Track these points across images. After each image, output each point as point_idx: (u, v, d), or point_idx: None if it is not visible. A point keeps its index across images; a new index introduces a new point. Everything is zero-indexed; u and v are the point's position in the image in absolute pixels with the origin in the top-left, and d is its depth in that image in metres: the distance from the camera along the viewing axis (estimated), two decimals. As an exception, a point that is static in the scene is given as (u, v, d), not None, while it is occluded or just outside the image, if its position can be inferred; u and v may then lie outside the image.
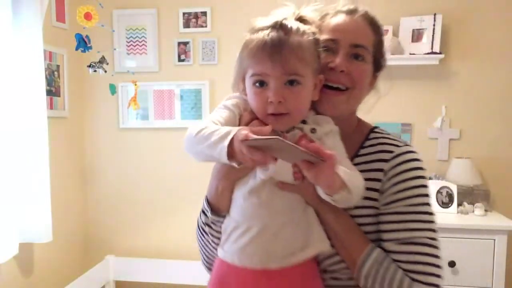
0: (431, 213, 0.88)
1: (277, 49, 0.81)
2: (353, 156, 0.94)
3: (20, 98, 2.18)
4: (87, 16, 2.10)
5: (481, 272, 2.21)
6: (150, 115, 2.90)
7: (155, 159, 2.93)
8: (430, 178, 2.57)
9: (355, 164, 0.91)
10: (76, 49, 2.27)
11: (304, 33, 0.85)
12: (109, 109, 2.94)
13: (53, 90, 2.62)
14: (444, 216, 2.39)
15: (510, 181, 2.60)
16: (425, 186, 0.90)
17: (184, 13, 2.83)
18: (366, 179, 0.87)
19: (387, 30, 2.61)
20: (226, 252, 0.89)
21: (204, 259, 1.02)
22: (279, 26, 0.84)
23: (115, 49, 2.84)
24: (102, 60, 2.43)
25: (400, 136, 2.58)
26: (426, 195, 0.89)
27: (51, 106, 2.59)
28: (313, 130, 0.87)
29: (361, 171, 0.88)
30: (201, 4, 2.82)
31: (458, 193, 2.46)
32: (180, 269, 2.73)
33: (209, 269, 0.99)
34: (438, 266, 0.84)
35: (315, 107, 0.92)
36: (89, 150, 2.99)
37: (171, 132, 2.88)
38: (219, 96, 2.64)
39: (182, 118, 2.87)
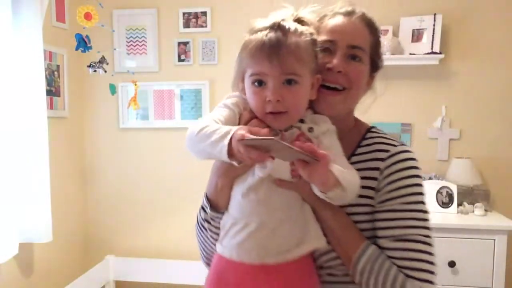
0: (425, 211, 0.90)
1: (275, 49, 0.83)
2: (350, 155, 0.96)
3: (20, 98, 2.18)
4: (87, 16, 2.10)
5: (481, 272, 2.21)
6: (150, 115, 2.90)
7: (155, 159, 2.93)
8: (430, 178, 2.57)
9: (352, 163, 0.93)
10: (76, 49, 2.27)
11: (301, 33, 0.87)
12: (109, 109, 2.94)
13: (53, 90, 2.62)
14: (444, 216, 2.39)
15: (510, 181, 2.60)
16: (420, 185, 0.92)
17: (184, 13, 2.83)
18: (363, 178, 0.89)
19: (387, 30, 2.61)
20: (225, 247, 0.91)
21: (203, 254, 1.04)
22: (277, 27, 0.86)
23: (115, 49, 2.84)
24: (102, 60, 2.43)
25: (400, 136, 2.66)
26: (421, 194, 0.91)
27: (51, 106, 2.59)
28: (310, 129, 0.89)
29: (358, 169, 0.90)
30: (201, 4, 2.82)
31: (458, 193, 2.46)
32: (180, 269, 2.73)
33: (208, 264, 1.01)
34: (431, 263, 0.86)
35: (313, 106, 0.94)
36: (89, 150, 2.99)
37: (171, 132, 2.89)
38: (219, 96, 2.64)
39: (182, 118, 2.87)
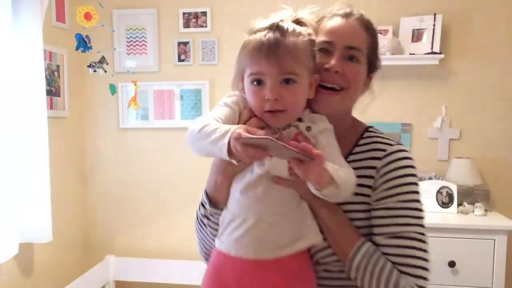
0: (420, 210, 0.92)
1: (273, 49, 0.85)
2: (347, 154, 0.98)
3: (20, 98, 2.18)
4: (87, 16, 2.10)
5: (481, 272, 2.21)
6: (150, 115, 2.90)
7: (155, 159, 2.93)
8: (430, 178, 2.57)
9: (349, 162, 0.94)
10: (76, 49, 2.27)
11: (299, 34, 0.89)
12: (109, 109, 2.94)
13: (53, 90, 2.62)
14: (444, 216, 2.39)
15: (510, 181, 2.61)
16: (415, 183, 0.94)
17: (184, 13, 2.83)
18: (359, 176, 0.91)
19: (387, 30, 2.61)
20: (223, 243, 0.92)
21: (202, 250, 1.06)
22: (276, 28, 0.88)
23: (115, 49, 2.84)
24: (102, 60, 2.43)
25: (400, 136, 2.65)
26: (416, 192, 0.93)
27: (51, 106, 2.59)
28: (308, 128, 0.90)
29: (355, 168, 0.91)
30: (201, 4, 2.82)
31: (458, 193, 2.46)
32: (180, 269, 2.73)
33: (207, 260, 1.03)
34: (425, 260, 0.88)
35: (311, 106, 0.95)
36: (89, 150, 2.99)
37: (171, 132, 2.89)
38: (219, 96, 2.64)
39: (182, 118, 2.87)
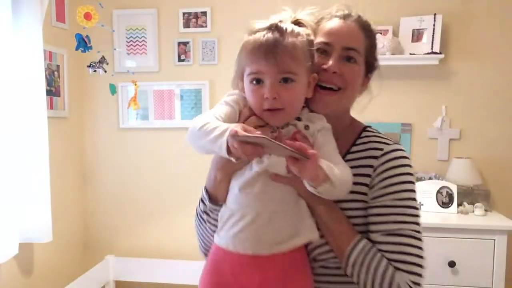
0: (416, 208, 0.94)
1: (272, 49, 0.87)
2: (345, 153, 1.00)
3: (20, 98, 2.18)
4: (87, 16, 2.10)
5: (481, 272, 2.21)
6: (150, 115, 2.90)
7: (155, 159, 2.93)
8: (430, 178, 2.57)
9: (347, 160, 0.97)
10: (76, 49, 2.27)
11: (298, 34, 0.91)
12: (109, 109, 2.94)
13: (53, 90, 2.62)
14: (444, 216, 2.39)
15: (510, 181, 2.61)
16: (411, 182, 0.95)
17: (184, 13, 2.83)
18: (357, 175, 0.94)
19: (387, 30, 2.61)
20: (222, 238, 0.94)
21: (202, 245, 1.08)
22: (275, 28, 0.90)
23: (115, 49, 2.84)
24: (102, 60, 2.43)
25: (400, 136, 2.65)
26: (413, 191, 0.95)
27: (51, 106, 2.59)
28: (306, 127, 0.92)
29: (352, 167, 0.94)
30: (201, 4, 2.82)
31: (458, 193, 2.46)
32: (180, 269, 2.73)
33: (206, 255, 1.05)
34: (421, 257, 0.91)
35: (309, 105, 0.97)
36: (89, 150, 2.99)
37: (171, 132, 2.89)
38: (219, 96, 2.65)
39: (182, 118, 2.87)
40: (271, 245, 0.89)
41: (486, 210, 2.42)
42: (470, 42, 2.61)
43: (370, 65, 1.03)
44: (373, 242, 0.92)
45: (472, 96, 2.63)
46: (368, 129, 1.05)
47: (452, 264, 2.22)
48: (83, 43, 2.24)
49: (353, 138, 1.03)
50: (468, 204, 2.47)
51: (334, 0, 1.04)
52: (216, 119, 0.88)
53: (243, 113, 0.93)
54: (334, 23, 0.99)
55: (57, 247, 2.62)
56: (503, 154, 2.61)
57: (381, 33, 2.57)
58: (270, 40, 0.88)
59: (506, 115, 2.60)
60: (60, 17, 2.67)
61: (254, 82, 0.90)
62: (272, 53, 0.87)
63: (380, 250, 0.90)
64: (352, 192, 0.92)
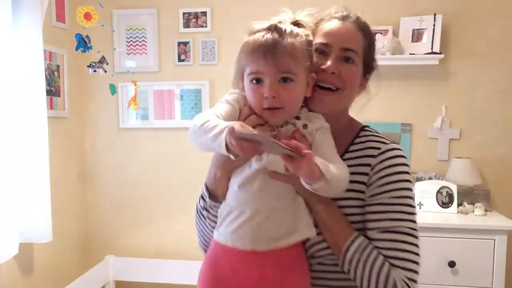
0: (412, 206, 0.96)
1: (272, 50, 0.89)
2: (343, 152, 1.02)
3: (20, 98, 2.18)
4: (87, 16, 2.10)
5: (481, 272, 2.21)
6: (150, 115, 2.90)
7: (155, 159, 2.93)
8: (430, 178, 2.57)
9: (345, 159, 0.98)
10: (76, 49, 2.27)
11: (297, 35, 0.93)
12: (109, 109, 2.94)
13: (53, 90, 2.62)
14: (444, 216, 2.39)
15: (510, 181, 2.61)
16: (408, 181, 0.97)
17: (184, 13, 2.83)
18: (355, 173, 0.96)
19: (387, 30, 2.61)
20: (221, 234, 0.96)
21: (202, 241, 1.10)
22: (274, 29, 0.92)
23: (115, 49, 2.84)
24: (102, 60, 2.43)
25: (400, 136, 2.65)
26: (409, 189, 0.97)
27: (51, 106, 2.59)
28: (305, 126, 0.94)
29: (350, 166, 0.96)
30: (201, 4, 2.82)
31: (458, 193, 2.46)
32: (180, 269, 2.73)
33: (206, 251, 1.07)
34: (416, 254, 0.92)
35: (308, 105, 0.99)
36: (89, 150, 2.99)
37: (171, 132, 2.89)
38: (219, 96, 2.65)
39: (182, 118, 2.87)
40: (269, 241, 0.91)
41: (486, 210, 2.42)
42: (470, 42, 2.61)
43: (369, 65, 1.04)
44: (370, 239, 0.93)
45: (472, 96, 2.63)
46: (366, 128, 1.07)
47: (452, 264, 2.22)
48: (83, 43, 2.24)
49: (351, 138, 1.04)
50: (468, 204, 2.47)
51: (334, 1, 1.05)
52: (217, 117, 0.89)
53: (243, 112, 0.95)
54: (332, 24, 1.00)
55: (57, 247, 2.62)
56: (503, 154, 2.61)
57: (381, 33, 2.57)
58: (269, 41, 0.90)
59: (506, 115, 2.60)
60: (60, 17, 2.68)
61: (254, 81, 0.92)
62: (271, 53, 0.89)
63: (376, 247, 0.92)
64: (349, 190, 0.94)
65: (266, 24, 0.94)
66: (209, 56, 2.83)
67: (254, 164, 0.91)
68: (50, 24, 2.59)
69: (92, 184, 3.00)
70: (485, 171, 2.60)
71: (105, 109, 2.95)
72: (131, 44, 2.89)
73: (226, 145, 0.81)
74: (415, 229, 0.94)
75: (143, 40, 2.88)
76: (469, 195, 2.54)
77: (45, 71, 2.43)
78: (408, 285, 0.89)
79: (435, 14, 2.54)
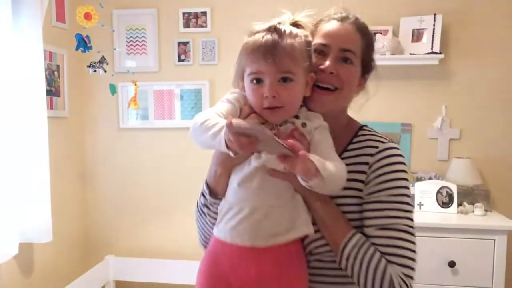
0: (409, 204, 0.98)
1: (271, 50, 0.91)
2: (342, 150, 1.04)
3: (20, 98, 2.18)
4: (87, 16, 2.10)
5: (481, 272, 2.21)
6: (150, 115, 2.90)
7: (155, 159, 2.93)
8: (430, 178, 2.57)
9: (344, 158, 1.00)
10: (76, 49, 2.27)
11: (296, 35, 0.95)
12: (109, 109, 2.94)
13: (53, 90, 2.62)
14: (444, 216, 2.39)
15: (510, 181, 2.61)
16: (405, 179, 0.99)
17: (184, 13, 2.83)
18: (353, 172, 0.98)
19: (387, 30, 2.61)
20: (220, 231, 0.98)
21: (202, 237, 1.12)
22: (274, 30, 0.94)
23: (115, 49, 2.84)
24: (102, 60, 2.43)
25: (400, 136, 2.65)
26: (406, 187, 0.98)
27: (51, 106, 2.59)
28: (303, 125, 0.96)
29: (349, 164, 0.98)
30: (201, 4, 2.82)
31: (458, 193, 2.46)
32: (180, 269, 2.73)
33: (206, 247, 1.08)
34: (413, 251, 0.93)
35: (307, 104, 1.01)
36: (89, 150, 2.99)
37: (171, 132, 2.88)
38: (219, 96, 2.65)
39: (182, 118, 2.87)
40: (268, 238, 0.93)
41: (486, 210, 2.42)
42: (470, 42, 2.61)
43: (367, 66, 1.06)
44: (367, 236, 0.95)
45: (472, 96, 2.63)
46: (365, 128, 1.09)
47: (452, 264, 2.22)
48: (83, 43, 2.24)
49: (350, 137, 1.06)
50: (468, 204, 2.47)
51: (333, 2, 1.06)
52: (217, 115, 0.91)
53: (244, 111, 0.97)
54: (331, 25, 1.02)
55: (57, 247, 2.62)
56: (503, 154, 2.61)
57: (381, 33, 2.57)
58: (269, 42, 0.91)
59: (506, 115, 2.60)
60: (60, 17, 2.67)
61: (254, 81, 0.94)
62: (271, 54, 0.90)
63: (373, 244, 0.93)
64: (348, 188, 0.96)
65: (265, 25, 0.96)
66: (209, 56, 2.83)
67: (254, 162, 0.93)
68: (50, 24, 2.59)
69: (92, 184, 3.00)
70: (485, 171, 2.60)
71: (105, 109, 2.95)
72: (131, 44, 2.89)
73: (226, 143, 0.82)
74: (411, 227, 0.95)
75: (143, 40, 2.88)
76: (469, 195, 2.54)
77: (45, 71, 2.43)
78: (404, 281, 0.90)
79: (435, 14, 2.54)
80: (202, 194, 1.06)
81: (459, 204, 2.48)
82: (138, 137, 2.94)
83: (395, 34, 2.62)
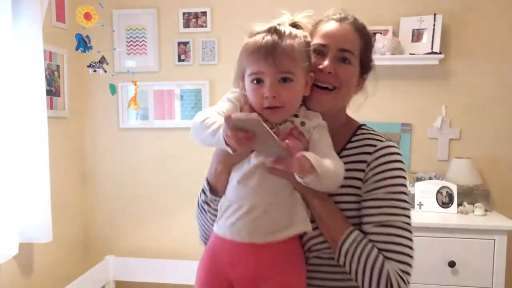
0: (406, 201, 0.99)
1: (271, 51, 0.92)
2: (341, 149, 1.05)
3: (20, 98, 2.18)
4: (87, 16, 2.10)
5: (481, 272, 2.21)
6: (150, 115, 2.90)
7: (155, 159, 2.93)
8: (430, 178, 2.57)
9: (342, 156, 1.02)
10: (76, 49, 2.27)
11: (295, 36, 0.96)
12: (109, 109, 2.94)
13: (53, 90, 2.62)
14: (444, 216, 2.39)
15: (510, 181, 2.61)
16: (403, 177, 1.00)
17: (184, 13, 2.83)
18: (351, 170, 0.99)
19: (387, 30, 2.61)
20: (220, 227, 1.00)
21: (202, 234, 1.14)
22: (274, 30, 0.95)
23: (115, 49, 2.84)
24: (102, 60, 2.43)
25: (400, 136, 2.65)
26: (404, 185, 1.00)
27: (51, 106, 2.59)
28: (302, 123, 0.98)
29: (347, 162, 0.99)
30: (201, 4, 2.82)
31: (458, 193, 2.46)
32: (180, 269, 2.73)
33: (206, 244, 1.10)
34: (410, 247, 0.95)
35: (306, 104, 1.02)
36: (89, 150, 2.99)
37: (171, 132, 2.89)
38: (219, 96, 2.65)
39: (182, 118, 2.87)
40: (266, 234, 0.94)
41: (486, 210, 2.42)
42: (470, 42, 2.61)
43: (365, 66, 1.07)
44: (365, 233, 0.96)
45: (472, 96, 2.63)
46: (363, 127, 1.10)
47: (452, 264, 2.22)
48: (83, 43, 2.24)
49: (348, 136, 1.07)
50: (468, 204, 2.47)
51: (333, 3, 1.08)
52: (218, 114, 0.93)
53: (244, 110, 0.98)
54: (330, 26, 1.04)
55: (57, 247, 2.62)
56: (503, 154, 2.61)
57: (381, 33, 2.57)
58: (269, 43, 0.93)
59: (506, 115, 2.60)
60: (60, 17, 2.67)
61: (255, 81, 0.95)
62: (271, 54, 0.92)
63: (371, 241, 0.95)
64: (346, 186, 0.98)
65: (266, 26, 0.97)
66: (209, 56, 2.83)
67: (253, 160, 0.94)
68: (50, 24, 2.59)
69: (92, 184, 3.00)
70: (485, 171, 2.60)
71: (105, 109, 2.95)
72: (131, 44, 2.89)
73: (225, 140, 0.84)
74: (409, 224, 0.97)
75: (143, 40, 2.88)
76: (469, 195, 2.54)
77: (45, 71, 2.43)
78: (401, 277, 0.91)
79: (435, 14, 2.54)
80: (203, 191, 1.07)
81: (459, 204, 2.48)
82: (138, 137, 2.94)
83: (395, 34, 2.62)
